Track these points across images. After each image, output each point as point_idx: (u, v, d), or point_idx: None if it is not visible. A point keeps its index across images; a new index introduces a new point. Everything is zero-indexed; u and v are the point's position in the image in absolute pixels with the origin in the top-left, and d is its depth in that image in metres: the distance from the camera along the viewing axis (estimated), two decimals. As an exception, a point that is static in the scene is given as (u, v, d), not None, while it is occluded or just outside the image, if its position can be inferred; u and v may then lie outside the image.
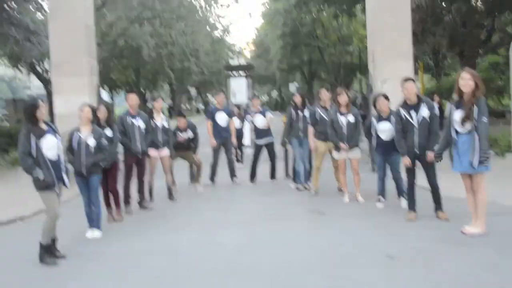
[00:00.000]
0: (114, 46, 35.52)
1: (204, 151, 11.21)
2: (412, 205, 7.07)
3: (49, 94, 21.68)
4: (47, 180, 5.53)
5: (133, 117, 8.18)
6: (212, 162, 10.40)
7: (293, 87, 56.01)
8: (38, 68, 29.52)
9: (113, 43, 31.93)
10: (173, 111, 46.74)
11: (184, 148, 9.78)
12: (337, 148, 8.31)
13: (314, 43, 36.39)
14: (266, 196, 9.13)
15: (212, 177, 10.46)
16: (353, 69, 43.07)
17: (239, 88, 20.25)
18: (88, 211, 6.75)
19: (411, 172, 7.01)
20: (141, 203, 8.43)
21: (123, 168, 8.22)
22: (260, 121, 10.25)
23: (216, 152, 10.37)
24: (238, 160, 13.72)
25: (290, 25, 34.13)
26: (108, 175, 7.43)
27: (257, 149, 10.43)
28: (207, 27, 53.97)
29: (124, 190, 8.12)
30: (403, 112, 6.92)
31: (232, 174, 10.52)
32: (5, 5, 15.47)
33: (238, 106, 14.36)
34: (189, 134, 9.82)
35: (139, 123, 8.17)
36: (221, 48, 56.18)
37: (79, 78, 10.96)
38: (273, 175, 10.52)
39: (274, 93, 74.10)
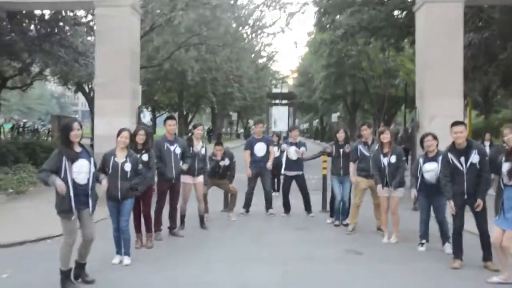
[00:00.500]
0: (160, 69, 36.25)
1: (240, 179, 10.99)
2: (458, 253, 6.62)
3: (93, 113, 22.14)
4: (63, 208, 5.43)
5: (170, 142, 8.08)
6: (247, 191, 10.18)
7: (335, 117, 55.69)
8: (85, 87, 30.28)
9: (158, 66, 32.55)
10: (213, 134, 47.01)
11: (220, 176, 9.62)
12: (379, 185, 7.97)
13: (359, 74, 36.00)
14: (300, 230, 8.80)
15: (246, 206, 10.22)
16: (397, 102, 42.42)
17: (280, 116, 20.08)
18: (116, 236, 6.62)
19: (459, 217, 6.58)
20: (172, 229, 8.26)
21: (156, 193, 8.10)
22: (293, 152, 10.00)
23: (251, 181, 10.18)
24: (274, 190, 13.46)
25: (336, 55, 33.93)
26: (142, 199, 7.32)
27: (286, 180, 10.26)
28: (252, 55, 54.70)
29: (155, 216, 7.97)
30: (451, 157, 6.56)
31: (268, 205, 10.25)
32: (57, 29, 15.96)
33: (278, 135, 14.15)
34: (226, 162, 9.65)
35: (176, 149, 8.06)
36: (265, 75, 56.57)
37: (121, 101, 11.02)
38: (307, 208, 10.21)
39: (315, 122, 73.81)
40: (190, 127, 8.98)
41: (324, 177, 10.85)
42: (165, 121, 8.36)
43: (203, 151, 8.80)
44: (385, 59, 35.95)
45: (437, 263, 6.73)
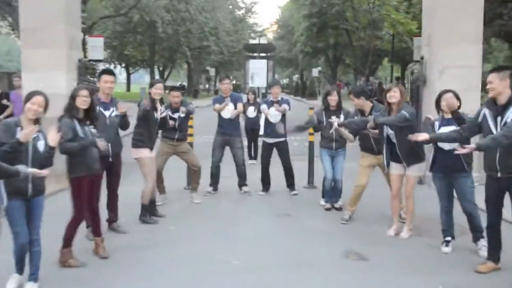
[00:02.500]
0: (129, 21, 33.42)
1: (204, 142, 8.81)
2: (494, 253, 4.77)
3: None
4: None
5: (104, 105, 5.89)
6: (212, 164, 8.13)
7: (316, 71, 53.47)
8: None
9: (125, 15, 29.75)
10: (185, 92, 44.00)
11: (177, 138, 7.36)
12: (387, 164, 5.95)
13: (343, 25, 33.63)
14: (282, 218, 6.80)
15: (213, 183, 8.20)
16: (379, 55, 40.23)
17: (258, 71, 17.77)
18: (19, 251, 4.42)
19: (494, 206, 4.68)
20: (111, 223, 6.20)
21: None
22: (275, 114, 7.91)
23: (216, 151, 8.10)
24: (251, 157, 11.44)
25: (318, 4, 31.46)
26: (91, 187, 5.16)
27: (265, 149, 8.18)
28: (230, 6, 51.59)
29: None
30: (486, 113, 4.61)
31: (241, 181, 8.24)
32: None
33: (255, 92, 11.98)
34: (181, 113, 7.33)
35: (112, 114, 5.90)
36: (243, 27, 53.75)
37: (54, 50, 8.69)
38: (290, 184, 8.21)
39: (295, 77, 71.50)
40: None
41: (311, 144, 8.81)
42: (99, 76, 6.13)
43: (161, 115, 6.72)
44: (370, 9, 33.62)
45: (472, 274, 4.82)
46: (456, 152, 4.70)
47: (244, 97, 11.88)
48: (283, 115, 7.94)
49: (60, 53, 8.76)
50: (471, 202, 5.33)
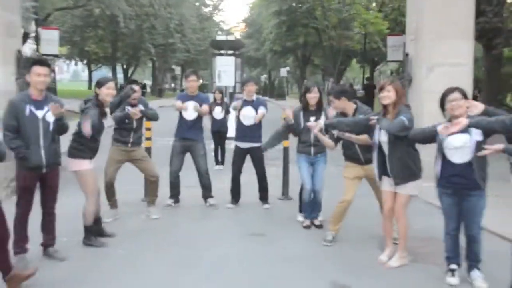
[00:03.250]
0: (89, 14, 31.81)
1: (166, 145, 7.71)
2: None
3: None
4: None
5: (37, 104, 4.74)
6: (170, 173, 7.03)
7: (284, 71, 52.71)
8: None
9: (82, 7, 28.18)
10: (145, 92, 42.41)
11: (133, 141, 6.27)
12: (379, 176, 4.99)
13: (313, 24, 32.82)
14: (255, 239, 5.77)
15: (173, 195, 7.11)
16: (349, 56, 39.66)
17: (226, 69, 16.68)
18: None
19: None
20: (46, 248, 5.03)
21: (16, 191, 4.83)
22: (249, 116, 6.87)
23: (176, 159, 6.98)
24: (218, 162, 10.39)
25: (288, 1, 30.54)
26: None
27: (237, 154, 7.05)
28: (196, 2, 50.26)
29: (15, 229, 4.71)
30: None
31: (206, 193, 7.17)
32: None
33: (222, 91, 10.91)
34: (140, 107, 6.37)
35: (47, 114, 4.75)
36: (210, 25, 52.50)
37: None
38: (262, 196, 7.17)
39: (263, 77, 70.59)
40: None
41: (286, 150, 7.82)
42: (29, 67, 4.96)
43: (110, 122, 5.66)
44: (340, 8, 32.98)
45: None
46: (482, 153, 3.86)
47: (211, 97, 10.85)
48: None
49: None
50: (478, 225, 4.43)
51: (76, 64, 64.59)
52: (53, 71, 17.26)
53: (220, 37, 22.67)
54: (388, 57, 21.67)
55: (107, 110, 5.38)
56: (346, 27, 34.08)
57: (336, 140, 5.45)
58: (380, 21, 32.23)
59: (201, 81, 55.51)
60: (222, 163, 10.38)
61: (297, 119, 6.09)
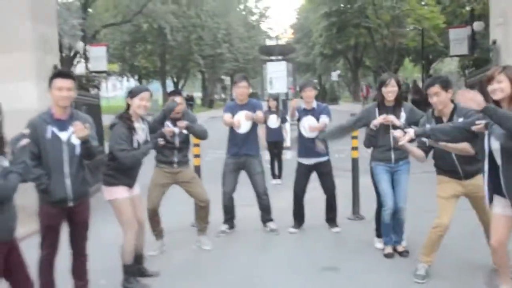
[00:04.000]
0: (137, 29, 31.82)
1: (218, 158, 6.80)
2: None
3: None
4: None
5: (60, 124, 3.94)
6: (223, 196, 6.08)
7: (335, 75, 51.30)
8: None
9: (127, 22, 28.10)
10: (192, 103, 41.70)
11: (178, 161, 5.39)
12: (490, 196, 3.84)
13: (364, 23, 31.43)
14: (325, 274, 4.73)
15: (227, 220, 6.18)
16: (402, 55, 37.84)
17: (277, 74, 15.76)
18: None
19: None
20: (79, 296, 4.22)
21: (40, 229, 4.04)
22: (310, 124, 5.85)
23: (230, 178, 6.02)
24: (275, 176, 9.44)
25: (338, 2, 29.40)
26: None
27: (300, 172, 6.01)
28: (243, 12, 49.87)
29: (40, 274, 3.93)
30: None
31: (265, 216, 6.19)
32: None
33: (276, 98, 9.94)
34: (183, 127, 5.38)
35: (72, 137, 3.94)
36: (257, 33, 51.94)
37: (17, 54, 6.79)
38: (331, 218, 6.10)
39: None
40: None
41: (355, 162, 6.75)
42: (49, 80, 4.17)
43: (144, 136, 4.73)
44: (393, 4, 31.46)
45: None
46: None
47: (264, 105, 9.95)
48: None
49: (26, 58, 6.86)
50: None
51: (128, 80, 65.80)
52: (96, 87, 16.82)
53: (270, 43, 21.77)
54: (451, 51, 20.13)
55: (140, 126, 4.51)
56: (399, 24, 32.54)
57: (428, 149, 4.37)
58: (437, 15, 30.50)
59: (251, 89, 55.23)
60: (279, 176, 9.42)
61: (371, 117, 5.03)
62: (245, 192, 6.37)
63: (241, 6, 48.80)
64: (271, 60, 17.31)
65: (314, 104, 5.92)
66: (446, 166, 4.32)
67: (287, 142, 10.39)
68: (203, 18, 31.50)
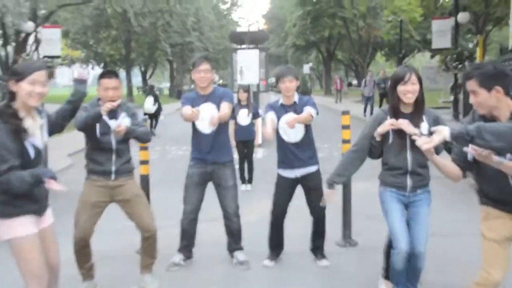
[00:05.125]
0: (100, 13, 29.86)
1: (184, 155, 5.28)
2: None
3: None
4: None
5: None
6: (184, 215, 4.59)
7: (307, 68, 50.24)
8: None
9: (98, 9, 26.26)
10: (148, 91, 39.17)
11: (119, 169, 3.91)
12: None
13: (340, 13, 30.24)
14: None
15: (184, 246, 4.67)
16: (375, 48, 36.90)
17: (248, 64, 14.28)
18: None
19: None
20: None
21: None
22: (293, 129, 4.36)
23: (193, 193, 4.54)
24: (244, 180, 8.03)
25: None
26: None
27: (283, 187, 4.53)
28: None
29: None
30: None
31: (233, 244, 4.71)
32: None
33: (246, 89, 8.41)
34: (123, 121, 3.91)
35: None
36: (228, 23, 50.30)
37: None
38: (318, 247, 4.64)
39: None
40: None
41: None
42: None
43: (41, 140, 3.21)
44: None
45: None
46: None
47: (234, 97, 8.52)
48: (307, 127, 4.47)
49: None
50: None
51: (93, 69, 63.16)
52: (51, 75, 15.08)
53: (241, 29, 20.31)
54: (434, 44, 19.01)
55: (34, 123, 3.01)
56: (375, 16, 31.55)
57: (467, 165, 3.00)
58: (414, 8, 29.62)
59: (221, 81, 53.40)
60: (250, 181, 8.03)
61: (379, 124, 3.54)
62: (210, 203, 4.83)
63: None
64: (242, 49, 15.87)
65: (296, 98, 4.48)
66: (499, 194, 2.95)
67: (259, 139, 8.97)
68: (172, 3, 29.69)
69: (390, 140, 3.50)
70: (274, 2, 48.92)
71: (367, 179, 6.08)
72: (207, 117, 4.33)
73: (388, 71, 36.48)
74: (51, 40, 17.25)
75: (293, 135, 4.40)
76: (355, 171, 3.71)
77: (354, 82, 59.01)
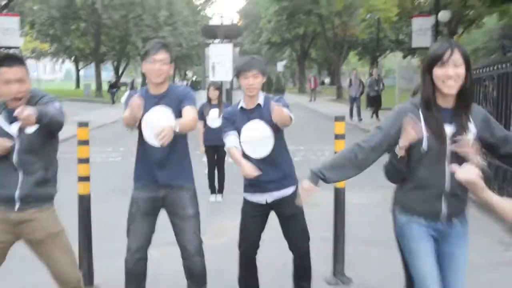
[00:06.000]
0: (68, 4, 28.61)
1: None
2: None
3: None
4: None
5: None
6: (129, 254, 3.39)
7: (281, 66, 49.70)
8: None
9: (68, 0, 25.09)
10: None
11: (14, 199, 2.82)
12: None
13: (316, 10, 29.68)
14: None
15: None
16: (348, 47, 36.46)
17: (221, 59, 13.49)
18: None
19: None
20: None
21: None
22: (259, 139, 3.39)
23: (139, 227, 3.38)
24: (214, 190, 7.22)
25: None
26: None
27: (250, 216, 3.50)
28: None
29: None
30: None
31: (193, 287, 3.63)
32: None
33: (218, 87, 7.56)
34: (28, 129, 2.79)
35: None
36: (203, 19, 49.33)
37: None
38: (300, 286, 3.63)
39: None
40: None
41: (338, 192, 4.19)
42: None
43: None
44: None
45: None
46: None
47: (203, 95, 7.70)
48: (279, 133, 3.45)
49: None
50: None
51: (63, 62, 61.20)
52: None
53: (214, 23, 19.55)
54: (413, 43, 18.50)
55: None
56: (350, 14, 31.14)
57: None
58: (389, 7, 29.33)
59: (194, 77, 52.31)
60: (220, 191, 7.24)
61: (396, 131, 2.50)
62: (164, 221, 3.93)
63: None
64: (215, 44, 15.09)
65: (260, 98, 3.46)
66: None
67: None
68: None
69: (424, 147, 2.43)
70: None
71: (361, 186, 5.21)
72: (157, 124, 3.07)
73: (360, 70, 36.16)
74: (8, 29, 16.13)
75: (259, 148, 3.36)
76: (354, 175, 2.59)
77: (327, 80, 58.82)
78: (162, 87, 3.32)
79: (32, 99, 2.84)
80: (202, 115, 6.90)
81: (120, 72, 45.90)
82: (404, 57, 44.38)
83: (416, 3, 24.07)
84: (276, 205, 3.47)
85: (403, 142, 2.44)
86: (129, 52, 41.82)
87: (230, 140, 3.39)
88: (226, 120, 3.47)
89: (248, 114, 3.39)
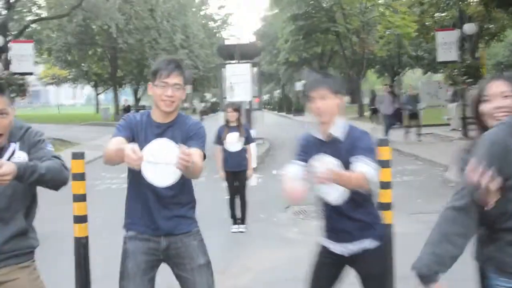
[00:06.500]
0: (84, 30, 28.63)
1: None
2: None
3: None
4: None
5: None
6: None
7: (300, 85, 49.35)
8: None
9: (80, 26, 25.00)
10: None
11: None
12: None
13: (333, 28, 29.19)
14: None
15: None
16: (368, 64, 35.82)
17: (239, 80, 12.92)
18: None
19: None
20: None
21: None
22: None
23: (134, 281, 2.67)
24: (236, 221, 6.58)
25: (304, 5, 27.04)
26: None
27: (322, 264, 2.80)
28: (202, 17, 47.25)
29: None
30: None
31: None
32: None
33: (236, 108, 6.97)
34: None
35: None
36: (219, 41, 49.33)
37: None
38: None
39: (276, 92, 67.27)
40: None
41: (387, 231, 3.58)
42: None
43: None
44: (362, 10, 29.44)
45: None
46: None
47: (221, 117, 7.12)
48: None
49: None
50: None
51: (83, 88, 61.78)
52: (20, 92, 13.73)
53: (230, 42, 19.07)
54: (439, 57, 17.71)
55: None
56: (369, 31, 30.59)
57: None
58: (407, 23, 28.66)
59: (214, 99, 52.01)
60: (242, 221, 6.59)
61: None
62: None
63: (201, 13, 46.08)
64: (231, 63, 14.57)
65: (340, 129, 2.69)
66: None
67: (253, 163, 7.28)
68: (158, 19, 28.48)
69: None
70: (266, 19, 48.10)
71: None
72: (160, 160, 2.51)
73: (378, 88, 35.35)
74: (22, 56, 15.93)
75: (333, 194, 2.66)
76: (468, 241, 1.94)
77: (346, 99, 58.02)
78: (170, 116, 2.69)
79: (16, 133, 2.30)
80: (219, 140, 6.36)
81: (138, 96, 45.87)
82: (425, 73, 43.63)
83: (436, 18, 23.39)
84: (352, 261, 2.74)
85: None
86: (147, 76, 41.82)
87: (293, 166, 2.71)
88: (300, 147, 2.79)
89: (319, 146, 2.69)
